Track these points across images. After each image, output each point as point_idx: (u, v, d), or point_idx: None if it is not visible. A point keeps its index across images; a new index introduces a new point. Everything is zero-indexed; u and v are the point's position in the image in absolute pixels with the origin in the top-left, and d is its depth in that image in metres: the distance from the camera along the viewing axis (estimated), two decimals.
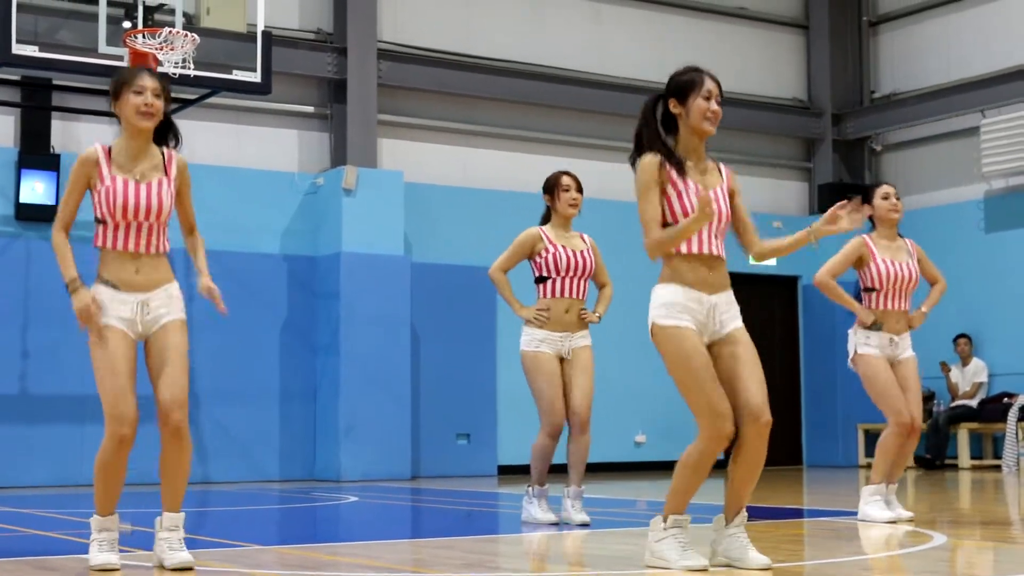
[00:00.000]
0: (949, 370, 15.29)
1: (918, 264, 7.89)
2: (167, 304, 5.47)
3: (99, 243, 5.46)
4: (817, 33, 17.45)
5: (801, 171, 17.45)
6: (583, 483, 7.55)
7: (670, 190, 5.22)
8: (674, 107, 5.35)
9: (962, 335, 15.31)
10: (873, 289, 7.73)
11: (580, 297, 7.59)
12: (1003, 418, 14.46)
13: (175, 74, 11.20)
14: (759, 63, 17.20)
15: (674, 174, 5.24)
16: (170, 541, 5.44)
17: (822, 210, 16.85)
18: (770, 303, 16.81)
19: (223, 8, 13.05)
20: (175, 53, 11.14)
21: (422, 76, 14.75)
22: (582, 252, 7.59)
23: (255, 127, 14.08)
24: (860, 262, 7.79)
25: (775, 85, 17.30)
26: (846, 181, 17.06)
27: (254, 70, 11.78)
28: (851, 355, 7.78)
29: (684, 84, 5.36)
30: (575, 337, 7.57)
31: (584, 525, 7.29)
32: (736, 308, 5.30)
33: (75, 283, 5.36)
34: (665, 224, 5.21)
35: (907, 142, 17.00)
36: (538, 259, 7.56)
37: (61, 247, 5.46)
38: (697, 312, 5.18)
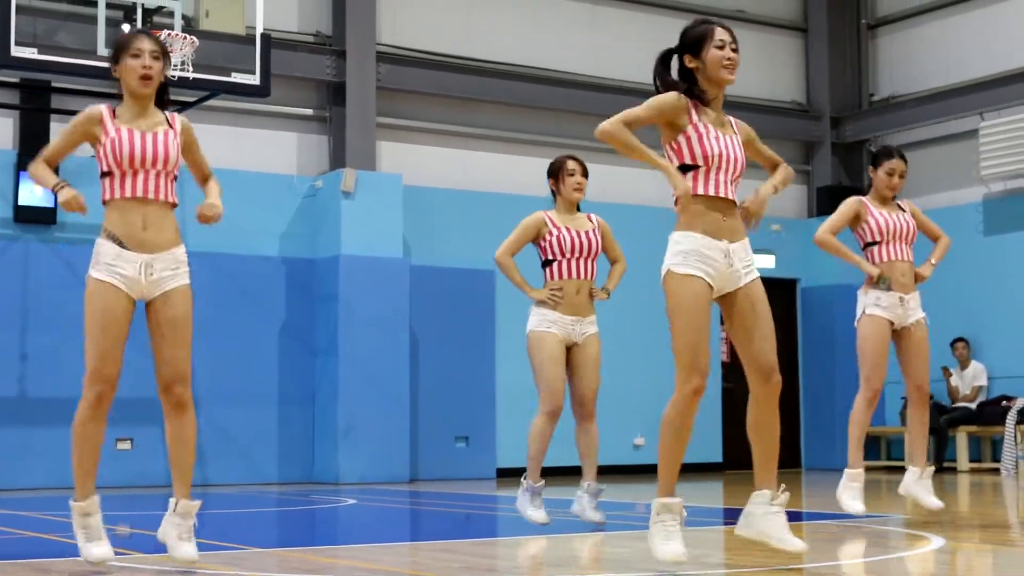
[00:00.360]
0: (951, 375, 15.29)
1: (916, 222, 7.86)
2: (173, 267, 5.42)
3: (106, 196, 5.41)
4: (816, 36, 17.47)
5: (800, 174, 17.46)
6: (599, 480, 7.53)
7: (690, 130, 5.28)
8: (690, 61, 5.39)
9: (960, 339, 15.31)
10: (874, 243, 7.70)
11: (589, 277, 7.53)
12: (1002, 421, 14.46)
13: (174, 76, 11.21)
14: (757, 66, 17.20)
15: (695, 115, 5.30)
16: (180, 529, 5.42)
17: (821, 213, 16.86)
18: (769, 305, 16.79)
19: (222, 10, 13.06)
20: (174, 55, 11.18)
21: (421, 79, 14.75)
22: (587, 233, 7.53)
23: (254, 130, 14.09)
24: (856, 220, 7.76)
25: (774, 88, 17.31)
26: (845, 184, 17.06)
27: (253, 73, 11.80)
28: (858, 316, 7.74)
29: (697, 37, 5.38)
30: (585, 322, 7.51)
31: (599, 525, 7.25)
32: (752, 256, 5.37)
33: (60, 184, 5.36)
34: (682, 165, 5.28)
35: (906, 145, 16.97)
36: (543, 242, 7.51)
37: (40, 169, 5.46)
38: (714, 260, 5.23)
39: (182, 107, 12.71)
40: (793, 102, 17.42)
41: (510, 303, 14.37)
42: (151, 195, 5.36)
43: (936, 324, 15.51)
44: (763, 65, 17.27)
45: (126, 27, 11.93)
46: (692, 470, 15.69)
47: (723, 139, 5.32)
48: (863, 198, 7.86)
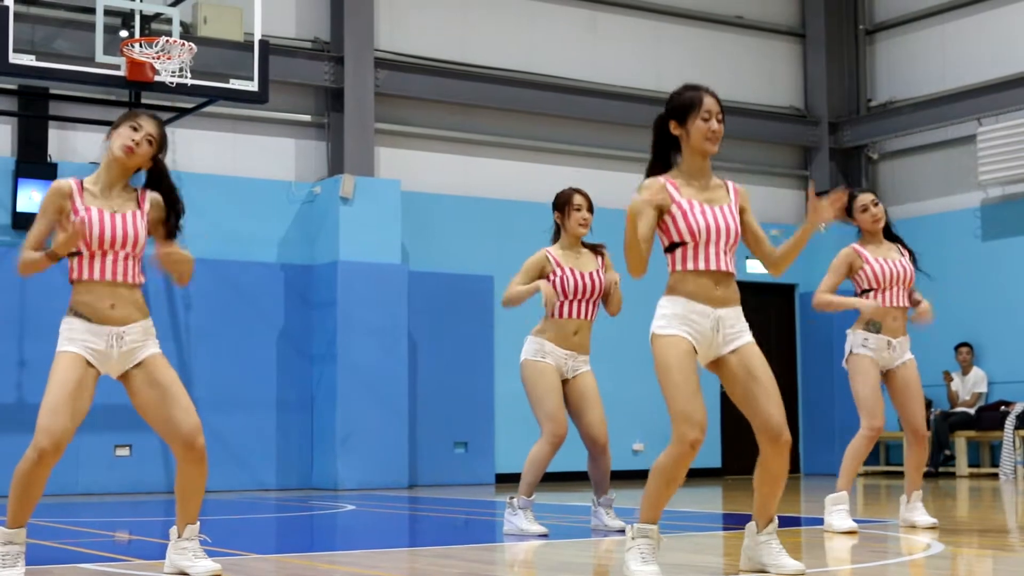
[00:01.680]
0: (952, 379, 15.29)
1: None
2: (143, 338, 5.43)
3: (74, 276, 5.37)
4: (813, 42, 17.48)
5: (798, 179, 17.47)
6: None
7: (674, 209, 5.21)
8: (675, 129, 5.33)
9: (964, 344, 15.31)
10: (870, 289, 7.68)
11: (588, 318, 7.53)
12: (1000, 426, 14.46)
13: (172, 83, 11.22)
14: (756, 72, 17.22)
15: (676, 194, 5.25)
16: (193, 550, 5.45)
17: None
18: (767, 311, 16.82)
19: (220, 17, 13.09)
20: (172, 62, 11.17)
21: (419, 85, 14.76)
22: (591, 274, 7.50)
23: (252, 136, 14.09)
24: (852, 269, 7.75)
25: (772, 94, 17.32)
26: (841, 190, 17.05)
27: (251, 79, 11.80)
28: (846, 355, 7.75)
29: (684, 104, 5.31)
30: (578, 359, 7.53)
31: (620, 531, 7.23)
32: (744, 323, 5.30)
33: (48, 250, 5.28)
34: (671, 243, 5.23)
35: (904, 150, 17.02)
36: (553, 280, 7.47)
37: (28, 256, 5.34)
38: (699, 324, 5.20)
39: (180, 114, 12.71)
40: (791, 107, 17.43)
41: (508, 309, 14.37)
42: (119, 278, 5.35)
43: (934, 330, 15.56)
44: (761, 71, 17.29)
45: (124, 33, 11.95)
46: (691, 476, 15.61)
47: (710, 211, 5.24)
48: (856, 246, 7.83)
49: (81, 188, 5.41)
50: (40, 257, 5.29)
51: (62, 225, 5.32)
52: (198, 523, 5.50)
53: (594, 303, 7.53)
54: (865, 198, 7.85)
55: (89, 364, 5.29)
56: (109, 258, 5.34)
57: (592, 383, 7.58)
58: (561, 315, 7.46)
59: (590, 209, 7.60)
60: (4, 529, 5.31)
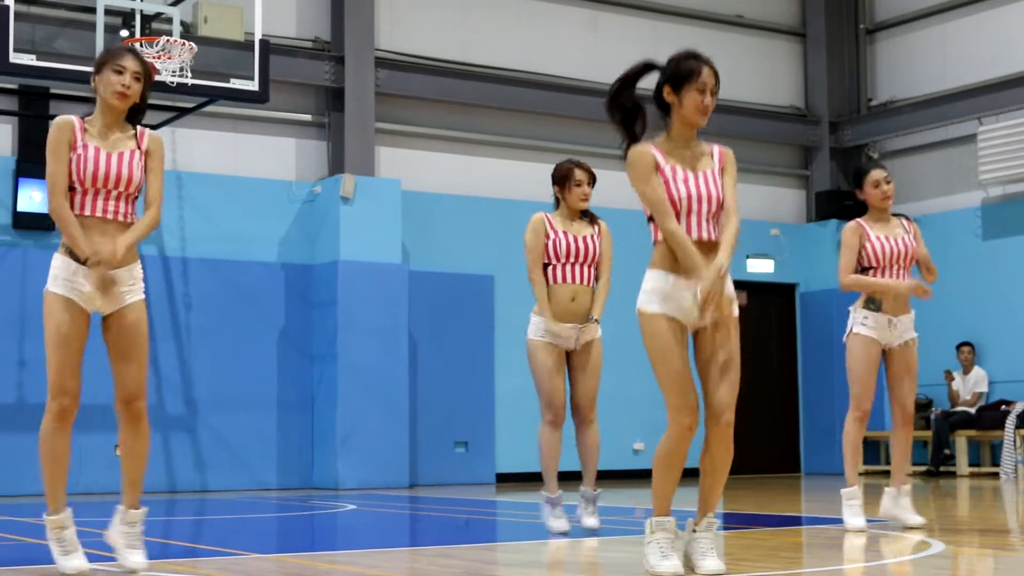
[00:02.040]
0: (953, 378, 15.29)
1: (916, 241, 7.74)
2: (130, 283, 5.47)
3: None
4: (814, 41, 17.48)
5: (798, 179, 17.46)
6: (598, 485, 7.53)
7: (658, 179, 5.27)
8: (668, 95, 5.38)
9: (965, 343, 15.30)
10: (870, 268, 7.62)
11: (586, 283, 7.42)
12: (1001, 425, 14.45)
13: (173, 83, 11.21)
14: (756, 71, 17.22)
15: (662, 161, 5.30)
16: (128, 537, 5.48)
17: (819, 217, 16.88)
18: (768, 310, 16.82)
19: (220, 17, 13.09)
20: (173, 62, 11.16)
21: (420, 84, 14.76)
22: (586, 238, 7.44)
23: (253, 135, 14.08)
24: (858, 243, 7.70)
25: (772, 93, 17.31)
26: (843, 189, 17.06)
27: (252, 78, 11.79)
28: (847, 332, 7.67)
29: (683, 73, 5.35)
30: (583, 330, 7.40)
31: (591, 530, 7.24)
32: (726, 290, 5.18)
33: (76, 240, 5.32)
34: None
35: (904, 150, 17.01)
36: (546, 243, 7.43)
37: (67, 217, 5.35)
38: (682, 298, 5.15)
39: (180, 113, 12.70)
40: (792, 107, 17.43)
41: (509, 308, 14.38)
42: (110, 215, 5.41)
43: (935, 329, 15.59)
44: (762, 70, 17.28)
45: (124, 33, 11.95)
46: (689, 474, 15.66)
47: (693, 179, 5.24)
48: (860, 221, 7.80)
49: (83, 126, 5.46)
50: (69, 232, 5.32)
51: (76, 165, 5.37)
52: (141, 511, 5.52)
53: (591, 267, 7.43)
54: (878, 174, 7.75)
55: (77, 304, 5.37)
56: (101, 196, 5.40)
57: (594, 352, 7.49)
58: (555, 279, 7.38)
59: (591, 183, 7.55)
60: (50, 517, 5.50)
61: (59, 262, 5.39)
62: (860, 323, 7.57)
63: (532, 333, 7.41)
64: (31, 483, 12.37)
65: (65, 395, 5.38)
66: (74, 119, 5.46)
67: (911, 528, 7.35)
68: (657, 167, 5.28)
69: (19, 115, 12.81)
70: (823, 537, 7.25)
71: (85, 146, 5.39)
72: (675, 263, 5.16)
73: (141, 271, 5.53)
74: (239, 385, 13.44)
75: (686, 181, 5.22)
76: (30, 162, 12.73)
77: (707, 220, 5.20)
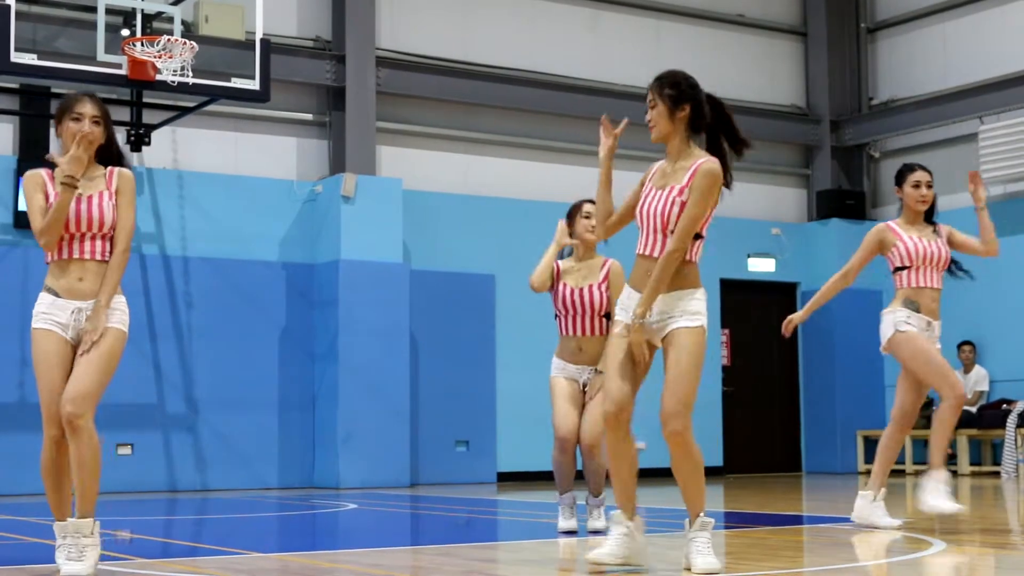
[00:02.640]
0: None
1: (953, 241, 7.63)
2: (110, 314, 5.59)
3: (48, 258, 5.63)
4: (815, 40, 17.48)
5: (799, 178, 17.46)
6: (602, 494, 7.56)
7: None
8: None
9: (966, 342, 15.30)
10: (904, 267, 7.49)
11: (594, 334, 7.32)
12: (1002, 424, 14.46)
13: (174, 82, 11.22)
14: (757, 70, 17.23)
15: (647, 178, 5.65)
16: (68, 548, 5.45)
17: (820, 217, 16.88)
18: (769, 309, 16.80)
19: (222, 16, 13.10)
20: (174, 61, 11.17)
21: (421, 83, 14.76)
22: (591, 287, 7.32)
23: (254, 135, 14.09)
24: (883, 246, 7.59)
25: (773, 92, 17.32)
26: (844, 188, 17.07)
27: (253, 78, 11.80)
28: (888, 336, 7.46)
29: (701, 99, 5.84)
30: (592, 371, 7.37)
31: (596, 531, 7.24)
32: (685, 307, 5.45)
33: (56, 194, 5.49)
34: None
35: (905, 149, 17.00)
36: (554, 293, 7.45)
37: (52, 212, 5.47)
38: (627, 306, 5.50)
39: (181, 112, 12.72)
40: (793, 106, 17.43)
41: (510, 307, 14.39)
42: (87, 256, 5.59)
43: (942, 327, 15.56)
44: (763, 69, 17.29)
45: (125, 32, 11.95)
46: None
47: (653, 196, 5.46)
48: (890, 223, 7.69)
49: (52, 176, 5.62)
50: (59, 201, 5.43)
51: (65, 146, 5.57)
52: (87, 520, 5.46)
53: (600, 318, 7.32)
54: (922, 176, 7.65)
55: (58, 333, 5.53)
56: (77, 239, 5.58)
57: (599, 387, 7.34)
58: (564, 332, 7.41)
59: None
60: (59, 523, 5.53)
61: (39, 300, 5.61)
62: (904, 322, 7.41)
63: (551, 371, 7.47)
64: (34, 482, 12.39)
65: (52, 425, 5.49)
66: (42, 171, 5.64)
67: (891, 529, 7.30)
68: (642, 183, 5.61)
69: (20, 114, 12.82)
70: (824, 536, 7.26)
71: (56, 194, 5.52)
72: (634, 278, 5.53)
73: (122, 302, 5.66)
74: (240, 384, 13.44)
75: (647, 198, 5.48)
76: (31, 161, 12.73)
77: (655, 236, 5.42)
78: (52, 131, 12.91)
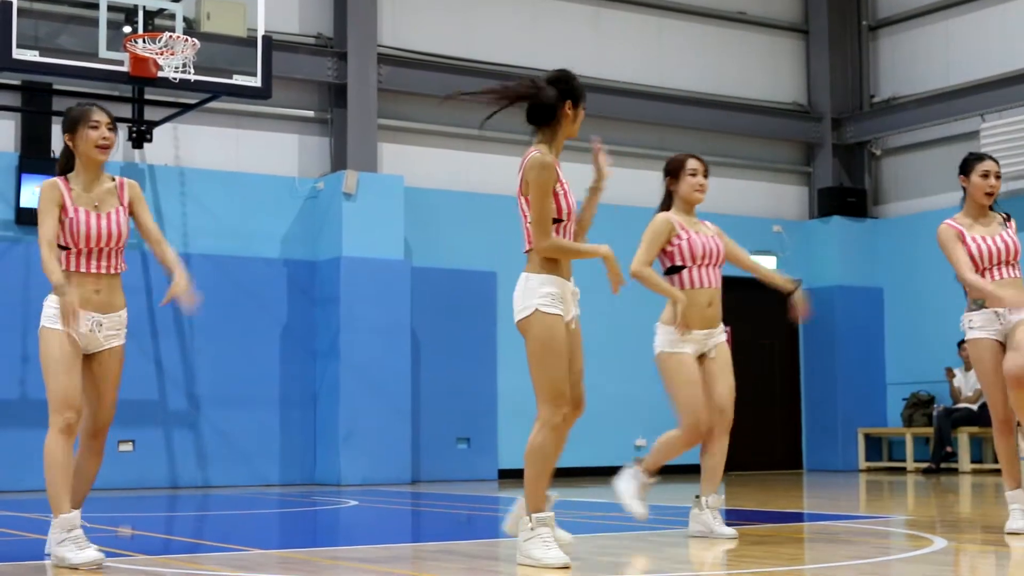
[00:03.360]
0: (954, 375, 15.30)
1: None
2: (117, 328, 5.97)
3: (64, 267, 5.85)
4: (817, 38, 17.48)
5: (801, 175, 17.46)
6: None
7: (557, 188, 6.16)
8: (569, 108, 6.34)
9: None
10: (978, 271, 7.02)
11: (718, 286, 6.96)
12: None
13: (175, 79, 11.23)
14: (759, 67, 17.23)
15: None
16: (76, 540, 5.65)
17: (822, 214, 16.87)
18: (770, 307, 16.75)
19: (223, 13, 13.09)
20: (175, 58, 11.19)
21: (422, 80, 14.76)
22: (712, 237, 7.07)
23: (256, 131, 14.10)
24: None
25: (775, 89, 17.32)
26: (846, 185, 17.07)
27: (254, 75, 11.82)
28: (963, 342, 7.01)
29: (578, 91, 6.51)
30: (714, 334, 6.92)
31: (733, 538, 6.74)
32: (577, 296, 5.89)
33: (62, 287, 5.70)
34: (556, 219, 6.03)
35: (907, 146, 17.02)
36: (669, 247, 6.94)
37: (48, 255, 5.76)
38: (565, 298, 5.79)
39: (183, 109, 12.73)
40: (794, 103, 17.43)
41: (511, 304, 14.38)
42: (103, 270, 5.91)
43: (943, 325, 15.58)
44: (765, 66, 17.29)
45: (127, 29, 11.96)
46: (687, 472, 15.68)
47: (570, 195, 6.20)
48: (952, 223, 7.31)
49: (69, 187, 5.89)
50: (56, 282, 5.71)
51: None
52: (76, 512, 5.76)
53: (718, 269, 7.00)
54: (990, 165, 7.28)
55: (72, 336, 5.79)
56: (94, 255, 5.87)
57: (725, 354, 6.92)
58: (692, 284, 6.88)
59: (705, 174, 7.14)
60: (63, 517, 5.69)
61: (52, 302, 5.80)
62: (969, 328, 7.05)
63: (667, 346, 6.89)
64: (34, 479, 12.40)
65: (71, 409, 5.73)
66: (59, 182, 5.87)
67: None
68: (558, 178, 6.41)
69: (22, 111, 12.83)
70: (825, 533, 7.26)
71: (76, 210, 5.84)
72: (560, 268, 5.95)
73: (126, 318, 6.03)
74: (242, 381, 13.45)
75: (566, 196, 6.33)
76: (33, 158, 12.76)
77: (572, 233, 6.10)
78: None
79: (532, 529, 5.56)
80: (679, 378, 6.75)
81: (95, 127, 5.89)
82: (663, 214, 7.08)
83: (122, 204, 5.95)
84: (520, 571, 5.59)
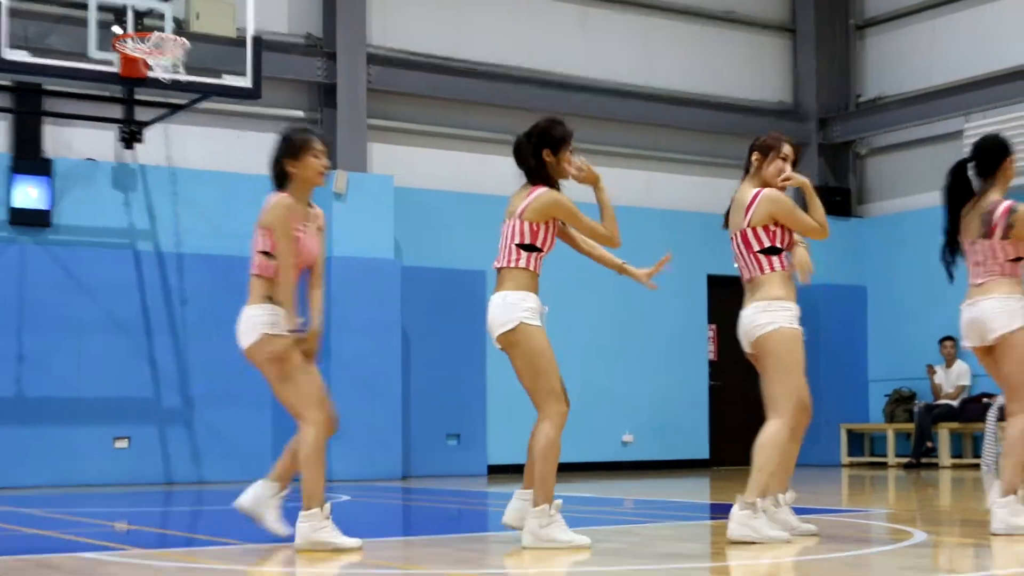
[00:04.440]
0: (935, 372, 15.45)
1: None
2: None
3: (266, 274, 6.36)
4: (803, 37, 17.56)
5: None
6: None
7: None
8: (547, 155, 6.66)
9: (948, 337, 15.42)
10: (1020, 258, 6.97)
11: None
12: (982, 418, 14.58)
13: (165, 79, 11.25)
14: (745, 67, 17.31)
15: None
16: (334, 527, 6.16)
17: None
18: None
19: (213, 13, 13.11)
20: (165, 58, 11.19)
21: (411, 80, 14.82)
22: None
23: (246, 131, 14.14)
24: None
25: (761, 89, 17.41)
26: (831, 184, 17.18)
27: (244, 75, 11.85)
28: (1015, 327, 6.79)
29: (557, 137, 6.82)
30: None
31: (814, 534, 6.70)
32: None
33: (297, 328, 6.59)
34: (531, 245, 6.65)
35: (892, 146, 17.13)
36: (774, 227, 6.76)
37: (289, 302, 6.56)
38: (541, 313, 6.50)
39: (173, 109, 12.76)
40: (780, 103, 17.53)
41: None
42: (296, 287, 6.48)
43: (925, 323, 15.72)
44: (751, 66, 17.37)
45: (117, 29, 11.98)
46: (680, 467, 15.80)
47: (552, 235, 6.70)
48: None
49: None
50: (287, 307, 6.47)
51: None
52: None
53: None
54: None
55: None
56: (296, 272, 6.41)
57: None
58: (783, 268, 6.65)
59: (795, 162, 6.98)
60: (326, 506, 6.15)
61: (269, 310, 6.49)
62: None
63: (789, 321, 6.53)
64: (30, 476, 12.49)
65: (327, 411, 6.34)
66: (291, 200, 6.30)
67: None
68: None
69: (13, 112, 12.86)
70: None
71: (301, 229, 6.31)
72: (537, 286, 6.63)
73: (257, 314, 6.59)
74: (234, 379, 13.47)
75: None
76: (24, 159, 12.80)
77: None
78: (43, 129, 13.04)
79: (551, 516, 6.09)
80: (796, 356, 6.53)
81: (317, 156, 6.30)
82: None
83: (320, 228, 6.43)
84: (536, 555, 5.71)
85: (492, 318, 6.47)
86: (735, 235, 6.73)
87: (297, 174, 6.33)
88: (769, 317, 6.49)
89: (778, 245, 6.63)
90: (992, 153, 7.14)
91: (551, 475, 6.14)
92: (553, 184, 6.60)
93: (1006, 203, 7.00)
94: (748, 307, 6.63)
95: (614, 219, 6.58)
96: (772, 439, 6.34)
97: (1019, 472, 6.53)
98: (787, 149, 7.01)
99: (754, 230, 6.63)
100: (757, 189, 6.85)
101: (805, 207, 6.92)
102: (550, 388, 6.32)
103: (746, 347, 6.76)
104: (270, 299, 6.31)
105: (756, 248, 6.61)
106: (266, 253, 6.29)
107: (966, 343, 7.00)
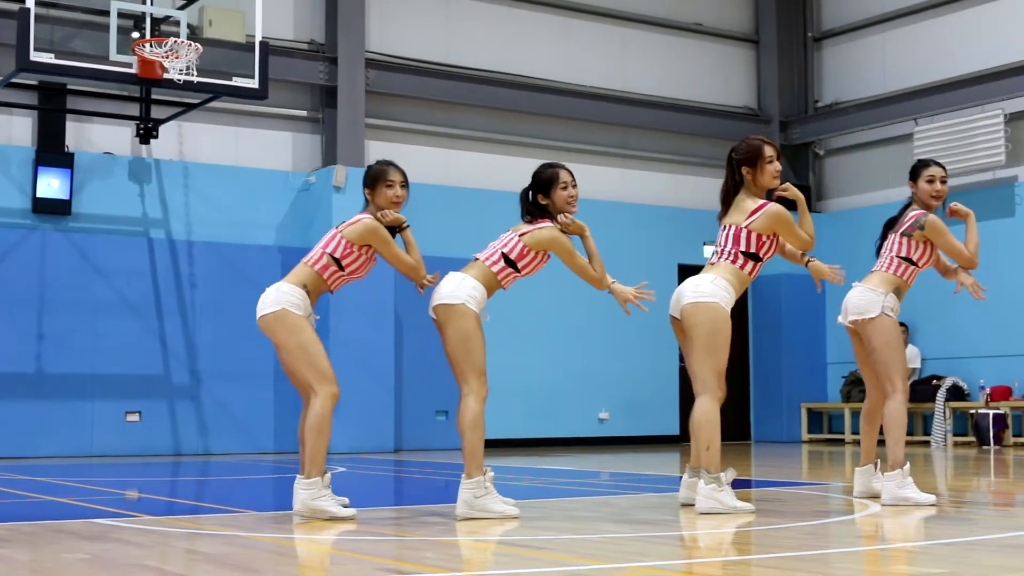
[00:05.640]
0: None
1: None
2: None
3: (326, 277, 6.67)
4: (766, 47, 17.52)
5: None
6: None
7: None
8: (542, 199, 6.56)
9: (899, 323, 15.37)
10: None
11: None
12: (932, 398, 14.56)
13: (180, 80, 11.18)
14: (713, 74, 17.26)
15: None
16: (334, 496, 6.13)
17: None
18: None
19: (224, 20, 13.05)
20: (180, 61, 11.14)
21: (407, 83, 14.74)
22: None
23: (253, 129, 14.06)
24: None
25: (727, 94, 17.36)
26: (792, 182, 17.09)
27: (252, 77, 11.77)
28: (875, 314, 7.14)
29: (545, 179, 6.55)
30: None
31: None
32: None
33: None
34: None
35: (847, 147, 17.09)
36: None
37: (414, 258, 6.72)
38: (482, 306, 6.54)
39: (186, 108, 12.67)
40: (745, 107, 17.48)
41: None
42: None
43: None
44: (718, 73, 17.32)
45: (136, 34, 11.90)
46: (652, 442, 15.74)
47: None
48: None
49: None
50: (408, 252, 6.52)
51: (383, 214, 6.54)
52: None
53: None
54: (936, 171, 7.11)
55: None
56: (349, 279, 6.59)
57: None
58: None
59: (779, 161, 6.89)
60: (326, 475, 6.02)
61: (297, 293, 6.53)
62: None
63: (727, 302, 6.42)
64: (49, 446, 12.37)
65: (337, 385, 6.22)
66: (375, 223, 6.39)
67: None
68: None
69: (38, 109, 12.76)
70: (771, 499, 7.30)
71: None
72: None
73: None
74: (239, 357, 13.43)
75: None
76: (48, 152, 12.68)
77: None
78: (66, 126, 12.94)
79: (487, 487, 6.07)
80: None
81: (390, 186, 6.38)
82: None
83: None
84: (471, 526, 5.62)
85: (441, 288, 6.39)
86: (728, 227, 6.57)
87: (372, 201, 6.46)
88: (712, 289, 6.36)
89: (760, 255, 6.51)
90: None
91: (479, 447, 6.26)
92: (551, 219, 6.45)
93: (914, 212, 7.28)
94: (697, 276, 6.53)
95: (602, 264, 6.50)
96: (708, 415, 6.26)
97: (902, 446, 6.74)
98: (769, 151, 6.71)
99: (748, 232, 6.48)
100: (763, 201, 6.60)
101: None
102: (477, 367, 6.45)
103: (674, 310, 6.63)
104: (306, 288, 6.18)
105: (742, 247, 6.49)
106: (335, 259, 6.39)
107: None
